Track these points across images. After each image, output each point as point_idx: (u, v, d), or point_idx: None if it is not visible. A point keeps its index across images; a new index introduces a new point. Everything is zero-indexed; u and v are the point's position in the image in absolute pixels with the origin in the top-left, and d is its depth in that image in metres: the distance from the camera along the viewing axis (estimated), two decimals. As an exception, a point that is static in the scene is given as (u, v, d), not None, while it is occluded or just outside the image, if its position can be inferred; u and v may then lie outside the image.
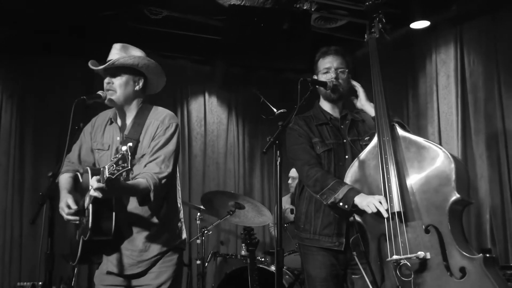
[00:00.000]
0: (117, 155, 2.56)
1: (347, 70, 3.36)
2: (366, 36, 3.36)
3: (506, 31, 5.47)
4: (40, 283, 5.47)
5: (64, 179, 3.16)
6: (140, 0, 5.70)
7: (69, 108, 2.92)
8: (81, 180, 3.10)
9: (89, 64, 3.11)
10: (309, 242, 3.30)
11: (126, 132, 3.08)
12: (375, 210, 2.87)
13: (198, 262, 5.44)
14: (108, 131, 3.17)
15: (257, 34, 5.68)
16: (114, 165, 2.54)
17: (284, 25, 5.62)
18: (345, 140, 3.31)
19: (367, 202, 2.91)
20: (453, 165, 2.78)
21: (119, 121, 3.16)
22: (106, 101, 3.06)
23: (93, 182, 2.65)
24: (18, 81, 6.66)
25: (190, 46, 6.87)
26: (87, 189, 2.88)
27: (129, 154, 2.54)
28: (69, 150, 2.88)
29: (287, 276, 4.98)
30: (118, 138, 3.10)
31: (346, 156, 3.28)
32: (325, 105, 3.43)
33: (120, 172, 2.53)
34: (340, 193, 3.01)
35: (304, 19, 5.71)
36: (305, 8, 5.64)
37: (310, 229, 3.30)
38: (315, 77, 3.41)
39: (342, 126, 3.37)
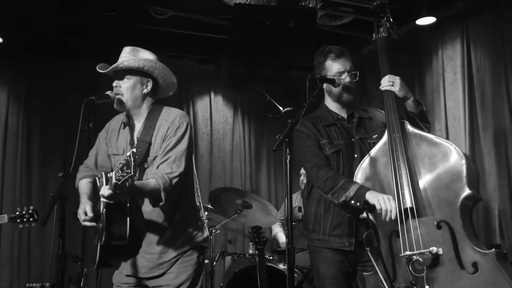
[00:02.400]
0: (122, 161, 2.59)
1: (358, 74, 3.37)
2: (374, 35, 3.35)
3: (512, 26, 5.45)
4: (48, 284, 5.48)
5: (84, 184, 3.19)
6: (145, 0, 5.70)
7: (75, 109, 2.93)
8: (98, 184, 3.12)
9: (97, 68, 3.12)
10: (319, 243, 3.32)
11: (138, 135, 3.10)
12: (384, 208, 2.87)
13: (206, 261, 5.43)
14: (122, 135, 3.19)
15: (262, 32, 5.67)
16: (120, 171, 2.58)
17: (289, 23, 5.60)
18: (353, 139, 3.31)
19: (378, 198, 2.92)
20: (464, 161, 2.80)
21: (131, 124, 3.17)
22: (114, 105, 3.08)
23: (103, 190, 2.69)
24: (24, 83, 6.68)
25: (195, 45, 6.87)
26: None
27: (133, 160, 2.57)
28: (79, 150, 2.88)
29: (295, 275, 4.97)
30: (131, 142, 3.12)
31: (355, 155, 3.28)
32: (332, 105, 3.43)
33: (124, 178, 2.56)
34: (351, 191, 3.02)
35: (309, 17, 5.69)
36: (310, 6, 5.63)
37: (319, 230, 3.31)
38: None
39: (349, 125, 3.37)
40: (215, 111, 7.64)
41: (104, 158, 3.24)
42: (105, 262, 3.06)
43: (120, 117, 3.25)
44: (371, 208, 2.97)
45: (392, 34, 3.31)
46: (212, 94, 7.64)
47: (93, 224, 2.93)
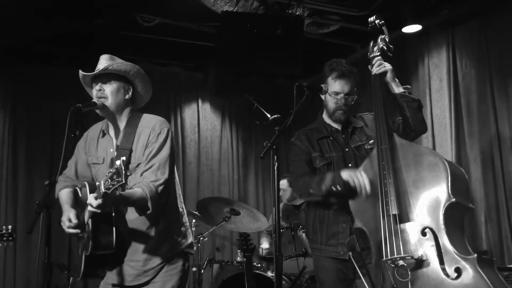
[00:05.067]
0: (111, 170, 2.58)
1: (355, 97, 3.45)
2: (369, 55, 3.38)
3: (497, 34, 5.50)
4: (34, 293, 5.43)
5: (65, 194, 3.15)
6: (132, 8, 5.69)
7: (61, 117, 2.92)
8: (80, 194, 3.09)
9: (81, 71, 3.10)
10: (318, 252, 3.45)
11: (118, 143, 3.08)
12: (357, 183, 2.99)
13: (194, 269, 5.42)
14: (101, 143, 3.17)
15: (250, 40, 5.68)
16: (109, 180, 2.56)
17: (277, 31, 5.62)
18: (347, 149, 3.41)
19: (349, 174, 3.04)
20: (448, 171, 2.89)
21: (111, 132, 3.15)
22: (98, 110, 3.05)
23: (91, 199, 2.67)
24: (10, 91, 6.64)
25: (183, 53, 6.87)
26: (86, 204, 2.90)
27: (123, 168, 2.56)
28: (65, 158, 2.87)
29: (284, 282, 4.96)
30: (112, 150, 3.10)
31: (350, 165, 3.37)
32: (327, 118, 3.52)
33: (115, 186, 2.55)
34: (328, 180, 3.12)
35: (296, 25, 5.72)
36: (297, 13, 5.65)
37: (317, 239, 3.44)
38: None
39: (343, 136, 3.46)
40: (203, 119, 7.64)
41: (84, 167, 3.21)
42: (90, 273, 3.04)
43: (99, 126, 3.23)
44: (353, 192, 3.05)
45: (387, 55, 3.34)
46: (200, 102, 7.64)
47: (77, 231, 2.90)
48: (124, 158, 2.65)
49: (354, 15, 5.79)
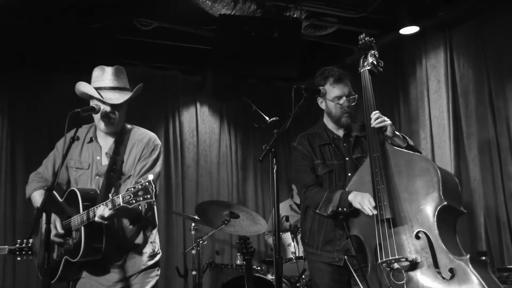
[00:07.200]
0: (137, 185, 2.63)
1: (356, 96, 3.45)
2: (359, 69, 3.42)
3: (494, 34, 5.51)
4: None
5: (40, 197, 3.17)
6: (129, 12, 5.69)
7: (59, 121, 2.93)
8: (60, 199, 3.11)
9: (97, 92, 3.08)
10: (313, 256, 3.47)
11: (108, 151, 3.13)
12: (366, 208, 3.04)
13: (194, 272, 5.42)
14: (86, 149, 3.19)
15: (247, 43, 5.69)
16: (132, 195, 2.62)
17: (274, 33, 5.63)
18: (347, 158, 3.42)
19: (358, 201, 3.09)
20: (439, 175, 2.97)
21: (100, 140, 3.17)
22: (104, 125, 3.08)
23: (104, 211, 2.74)
24: (7, 96, 6.62)
25: (180, 56, 6.88)
26: (67, 209, 2.98)
27: (154, 186, 2.61)
28: (63, 163, 2.89)
29: (284, 285, 4.96)
30: (99, 158, 3.13)
31: (349, 174, 3.39)
32: (329, 123, 3.52)
33: (138, 203, 2.62)
34: (335, 200, 3.18)
35: (294, 28, 5.72)
36: (295, 16, 5.66)
37: (313, 244, 3.46)
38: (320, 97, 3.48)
39: (345, 144, 3.46)
40: (201, 122, 7.63)
41: (62, 169, 3.21)
42: (65, 276, 3.10)
43: (83, 130, 3.25)
44: (356, 221, 3.14)
45: (378, 69, 3.37)
46: (198, 105, 7.64)
47: (61, 240, 2.99)
48: (152, 176, 2.69)
49: (352, 17, 5.80)
